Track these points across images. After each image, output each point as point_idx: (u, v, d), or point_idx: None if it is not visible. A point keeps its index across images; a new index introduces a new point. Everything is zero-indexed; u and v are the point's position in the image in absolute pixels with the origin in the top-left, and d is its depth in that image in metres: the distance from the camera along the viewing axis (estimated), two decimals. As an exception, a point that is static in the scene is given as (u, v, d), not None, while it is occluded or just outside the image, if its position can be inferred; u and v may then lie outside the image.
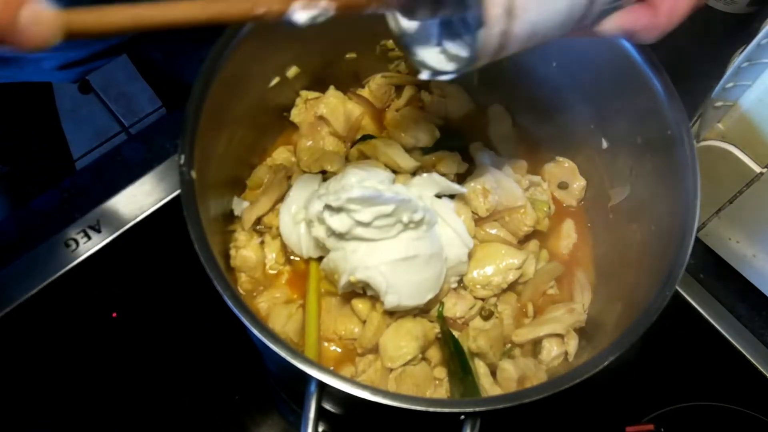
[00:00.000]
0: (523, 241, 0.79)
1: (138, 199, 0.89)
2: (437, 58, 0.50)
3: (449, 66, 0.50)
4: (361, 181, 0.69)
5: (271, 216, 0.77)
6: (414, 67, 0.51)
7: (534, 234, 0.79)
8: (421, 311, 0.73)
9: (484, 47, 0.46)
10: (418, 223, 0.69)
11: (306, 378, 0.54)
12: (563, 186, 0.84)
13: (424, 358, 0.72)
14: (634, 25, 0.52)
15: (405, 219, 0.67)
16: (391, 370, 0.70)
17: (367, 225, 0.66)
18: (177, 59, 1.07)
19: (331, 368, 0.72)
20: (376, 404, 0.53)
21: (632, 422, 0.84)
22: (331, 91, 0.82)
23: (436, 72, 0.50)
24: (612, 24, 0.52)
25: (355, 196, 0.65)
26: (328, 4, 0.44)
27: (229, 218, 0.77)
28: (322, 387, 0.55)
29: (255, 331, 0.55)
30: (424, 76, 0.50)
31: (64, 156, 1.31)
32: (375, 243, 0.68)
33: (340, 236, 0.68)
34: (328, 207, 0.66)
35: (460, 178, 0.80)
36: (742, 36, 0.83)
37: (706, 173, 0.65)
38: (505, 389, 0.70)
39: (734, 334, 0.88)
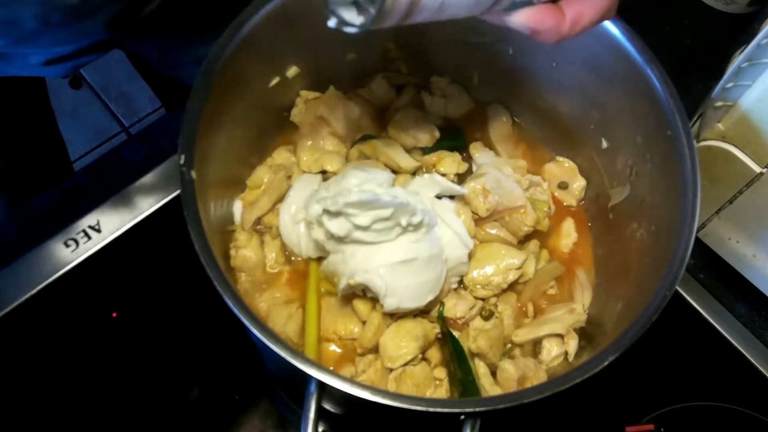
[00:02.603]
0: (523, 241, 0.79)
1: (138, 199, 0.89)
2: (349, 10, 0.51)
3: (357, 20, 0.50)
4: (360, 182, 0.69)
5: (271, 216, 0.77)
6: (326, 16, 0.52)
7: (534, 234, 0.79)
8: (421, 312, 0.73)
9: (392, 6, 0.46)
10: (417, 226, 0.69)
11: (306, 378, 0.54)
12: (563, 186, 0.84)
13: (424, 358, 0.72)
14: (539, 24, 0.52)
15: (403, 222, 0.67)
16: (391, 370, 0.70)
17: (365, 228, 0.66)
18: (172, 59, 1.06)
19: (331, 368, 0.72)
20: (376, 404, 0.53)
21: (632, 422, 0.84)
22: (331, 91, 0.82)
23: (343, 22, 0.50)
24: (519, 18, 0.52)
25: (353, 201, 0.64)
26: None
27: (229, 218, 0.77)
28: (322, 387, 0.55)
29: (255, 331, 0.55)
30: (330, 23, 0.51)
31: (60, 154, 1.31)
32: (374, 246, 0.68)
33: (339, 239, 0.68)
34: (326, 211, 0.66)
35: (460, 178, 0.80)
36: (742, 36, 0.83)
37: (706, 173, 0.65)
38: (505, 389, 0.70)
39: (734, 334, 0.88)
